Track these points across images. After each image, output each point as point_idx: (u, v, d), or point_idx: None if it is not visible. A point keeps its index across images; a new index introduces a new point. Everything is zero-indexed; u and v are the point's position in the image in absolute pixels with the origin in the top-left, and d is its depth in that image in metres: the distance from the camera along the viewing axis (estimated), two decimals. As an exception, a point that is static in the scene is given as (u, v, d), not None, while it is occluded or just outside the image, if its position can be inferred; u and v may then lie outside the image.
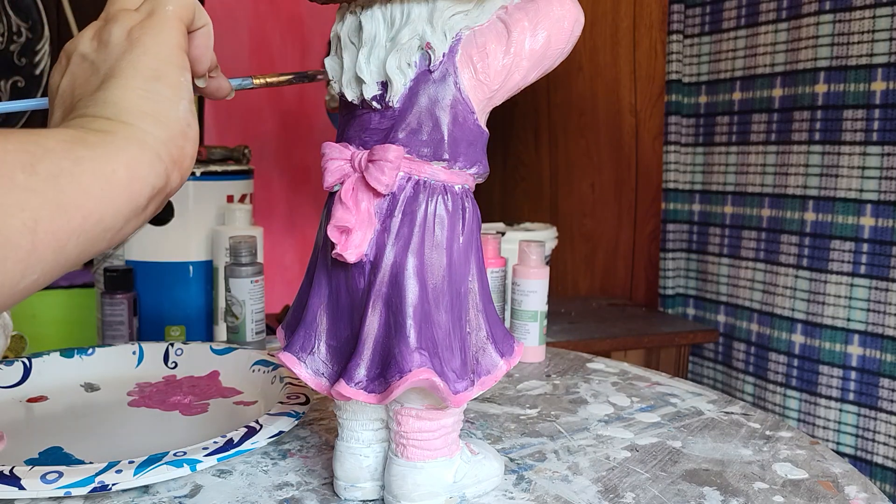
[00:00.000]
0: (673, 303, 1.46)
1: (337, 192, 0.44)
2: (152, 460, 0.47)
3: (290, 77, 0.49)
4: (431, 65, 0.43)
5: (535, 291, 0.82)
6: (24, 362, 0.68)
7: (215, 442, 0.49)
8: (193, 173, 1.09)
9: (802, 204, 1.18)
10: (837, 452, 1.06)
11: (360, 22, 0.43)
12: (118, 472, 0.45)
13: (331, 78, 0.46)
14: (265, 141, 1.67)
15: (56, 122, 0.38)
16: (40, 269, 0.30)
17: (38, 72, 1.49)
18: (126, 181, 0.33)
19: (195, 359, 0.73)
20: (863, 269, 1.09)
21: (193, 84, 0.43)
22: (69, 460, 0.53)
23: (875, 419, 1.08)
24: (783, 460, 0.56)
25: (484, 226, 1.24)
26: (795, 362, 1.19)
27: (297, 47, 1.68)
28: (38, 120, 1.49)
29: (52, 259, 0.30)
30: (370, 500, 0.48)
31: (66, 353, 0.71)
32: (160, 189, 0.35)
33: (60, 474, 0.45)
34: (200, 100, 1.61)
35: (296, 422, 0.54)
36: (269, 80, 0.47)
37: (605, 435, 0.61)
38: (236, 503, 0.48)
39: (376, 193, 0.43)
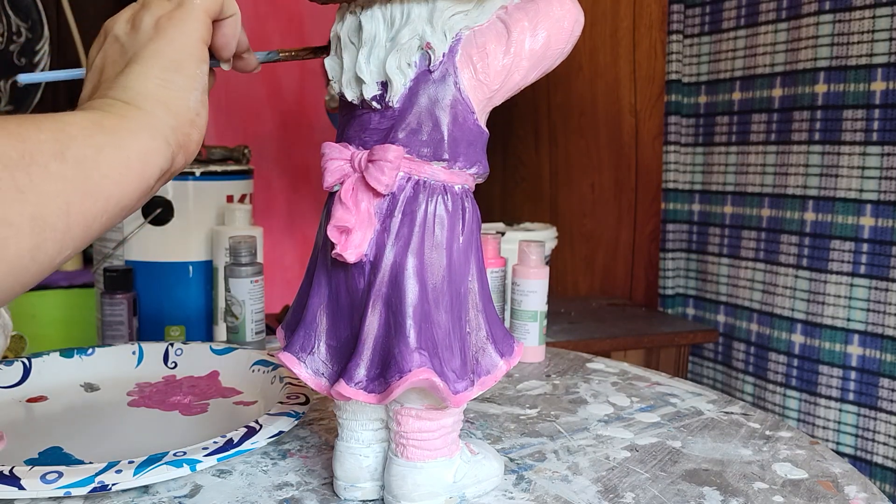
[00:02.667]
0: (673, 303, 1.46)
1: (337, 192, 0.44)
2: (152, 460, 0.47)
3: (311, 51, 0.50)
4: (431, 65, 0.43)
5: (534, 291, 0.82)
6: (24, 362, 0.68)
7: (215, 442, 0.49)
8: (193, 173, 1.09)
9: (802, 204, 1.18)
10: (837, 452, 1.06)
11: (360, 22, 0.43)
12: (118, 472, 0.45)
13: (331, 78, 0.46)
14: (265, 141, 1.67)
15: (86, 95, 0.42)
16: (72, 246, 0.34)
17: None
18: (139, 167, 0.37)
19: (195, 359, 0.73)
20: (863, 269, 1.09)
21: (220, 67, 0.46)
22: (69, 460, 0.53)
23: (875, 419, 1.08)
24: (783, 460, 0.56)
25: (484, 226, 1.24)
26: (795, 362, 1.19)
27: (296, 47, 1.68)
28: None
29: (82, 237, 0.34)
30: (370, 500, 0.48)
31: (66, 353, 0.71)
32: (167, 170, 0.39)
33: (60, 474, 0.45)
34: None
35: (295, 422, 0.54)
36: (294, 52, 0.49)
37: (605, 435, 0.61)
38: (236, 503, 0.48)
39: (376, 193, 0.43)
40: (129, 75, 0.39)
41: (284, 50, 0.49)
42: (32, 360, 0.68)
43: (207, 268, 1.12)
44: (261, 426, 0.52)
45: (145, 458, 0.47)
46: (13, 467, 0.46)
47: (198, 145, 0.41)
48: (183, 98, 0.40)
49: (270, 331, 1.05)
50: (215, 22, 0.43)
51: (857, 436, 1.11)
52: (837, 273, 1.12)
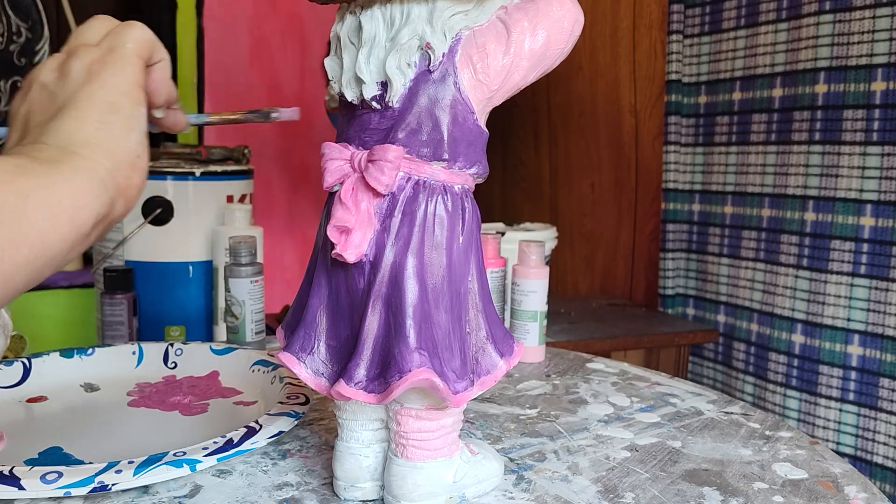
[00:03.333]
0: (673, 303, 1.46)
1: (337, 192, 0.44)
2: (152, 460, 0.47)
3: (246, 115, 0.49)
4: (431, 65, 0.43)
5: (534, 291, 0.82)
6: (24, 362, 0.68)
7: (215, 442, 0.49)
8: (193, 173, 1.09)
9: (802, 204, 1.18)
10: (837, 452, 1.06)
11: (359, 22, 0.43)
12: (118, 472, 0.45)
13: (331, 78, 0.46)
14: (265, 141, 1.67)
15: (10, 145, 0.39)
16: None
17: None
18: (71, 211, 0.34)
19: (195, 359, 0.73)
20: (863, 269, 1.09)
21: (150, 115, 0.44)
22: (69, 460, 0.53)
23: (875, 419, 1.08)
24: (783, 460, 0.56)
25: (484, 226, 1.24)
26: (795, 362, 1.19)
27: (296, 47, 1.68)
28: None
29: (2, 289, 0.32)
30: (370, 500, 0.48)
31: (66, 353, 0.71)
32: (104, 216, 0.37)
33: (60, 474, 0.45)
34: (200, 98, 1.61)
35: (295, 422, 0.54)
36: (224, 116, 0.48)
37: (605, 435, 0.61)
38: (236, 503, 0.48)
39: (376, 193, 0.43)
40: (64, 119, 0.37)
41: (216, 113, 0.48)
42: (32, 360, 0.68)
43: (207, 268, 1.12)
44: (261, 426, 0.52)
45: (145, 458, 0.47)
46: (13, 467, 0.46)
47: (139, 189, 0.39)
48: (122, 140, 0.38)
49: (270, 331, 1.05)
50: (146, 67, 0.42)
51: (857, 436, 1.11)
52: (837, 273, 1.12)
